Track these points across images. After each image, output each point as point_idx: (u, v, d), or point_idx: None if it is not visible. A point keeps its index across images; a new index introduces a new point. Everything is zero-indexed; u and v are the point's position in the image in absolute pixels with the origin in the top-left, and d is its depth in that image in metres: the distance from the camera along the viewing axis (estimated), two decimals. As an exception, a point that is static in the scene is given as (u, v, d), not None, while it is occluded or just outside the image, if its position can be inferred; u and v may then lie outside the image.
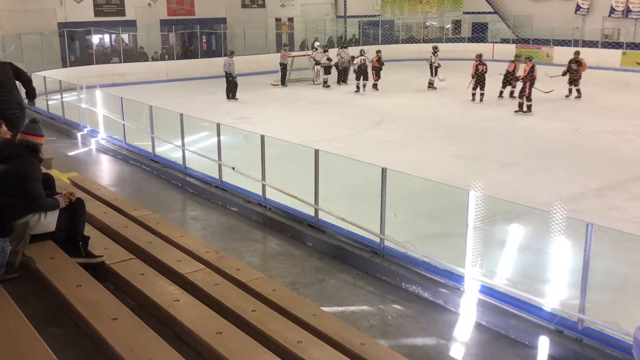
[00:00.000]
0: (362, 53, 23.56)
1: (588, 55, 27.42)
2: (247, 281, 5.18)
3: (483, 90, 20.00)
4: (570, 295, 5.67)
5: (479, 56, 20.43)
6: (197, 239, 6.33)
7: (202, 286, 4.85)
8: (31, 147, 5.06)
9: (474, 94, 20.18)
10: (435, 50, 23.34)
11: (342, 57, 24.80)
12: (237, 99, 21.36)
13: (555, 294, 5.80)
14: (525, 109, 17.65)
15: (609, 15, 29.62)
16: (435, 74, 22.97)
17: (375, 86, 23.11)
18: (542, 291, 5.96)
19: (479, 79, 19.97)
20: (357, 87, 22.94)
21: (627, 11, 28.94)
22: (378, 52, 23.67)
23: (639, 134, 14.62)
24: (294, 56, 25.83)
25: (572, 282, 5.65)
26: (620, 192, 10.32)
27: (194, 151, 10.87)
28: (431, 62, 23.07)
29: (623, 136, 14.46)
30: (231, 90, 21.42)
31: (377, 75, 23.11)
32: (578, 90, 20.14)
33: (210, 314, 4.32)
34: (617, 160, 12.20)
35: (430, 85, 22.99)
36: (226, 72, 21.43)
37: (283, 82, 24.59)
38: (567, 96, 20.22)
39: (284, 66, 24.62)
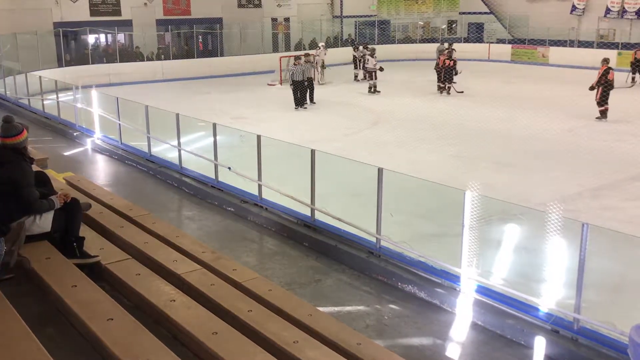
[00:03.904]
0: (450, 46, 23.55)
1: (584, 55, 27.60)
2: (243, 281, 5.18)
3: (450, 84, 20.99)
4: (566, 295, 5.68)
5: (449, 51, 21.37)
6: (193, 239, 6.32)
7: (198, 286, 4.84)
8: (17, 150, 4.97)
9: (441, 87, 21.09)
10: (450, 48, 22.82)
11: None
12: (313, 102, 19.72)
13: (551, 294, 5.81)
14: (599, 114, 16.69)
15: (605, 16, 29.68)
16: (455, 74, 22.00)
17: (449, 89, 21.42)
18: (538, 291, 5.97)
19: (446, 73, 20.86)
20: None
21: (623, 11, 29.00)
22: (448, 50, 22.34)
23: (634, 133, 14.66)
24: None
25: (568, 282, 5.66)
26: (616, 192, 10.35)
27: (190, 151, 10.85)
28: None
29: (618, 136, 14.50)
30: (311, 95, 19.80)
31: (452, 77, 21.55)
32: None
33: (206, 314, 4.31)
34: (613, 160, 12.23)
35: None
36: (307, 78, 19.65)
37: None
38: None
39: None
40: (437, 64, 21.91)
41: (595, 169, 11.51)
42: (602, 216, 8.74)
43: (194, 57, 28.41)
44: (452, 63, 21.14)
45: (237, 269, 5.50)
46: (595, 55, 25.42)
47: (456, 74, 21.66)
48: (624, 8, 28.95)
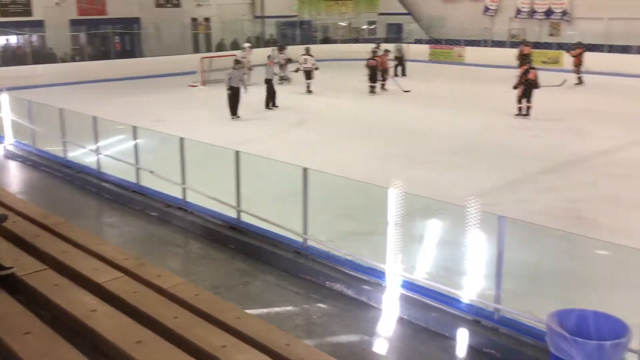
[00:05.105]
0: (377, 47, 23.39)
1: (497, 54, 28.72)
2: (169, 287, 5.06)
3: (374, 83, 21.72)
4: (486, 286, 5.88)
5: (373, 52, 21.91)
6: (115, 246, 6.14)
7: (120, 294, 4.71)
8: None
9: (371, 86, 21.75)
10: (376, 50, 22.69)
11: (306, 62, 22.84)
12: (274, 107, 19.03)
13: (472, 286, 6.00)
14: (517, 111, 16.82)
15: (516, 16, 30.99)
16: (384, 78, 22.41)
17: (372, 89, 21.83)
18: (460, 283, 6.15)
19: (371, 74, 21.58)
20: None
21: (533, 12, 30.37)
22: (387, 50, 23.69)
23: (545, 129, 15.38)
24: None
25: (487, 274, 5.86)
26: (530, 185, 10.81)
27: (109, 155, 10.53)
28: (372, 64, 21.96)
29: (530, 132, 15.18)
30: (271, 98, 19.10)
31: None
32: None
33: (129, 322, 4.20)
34: (527, 154, 12.79)
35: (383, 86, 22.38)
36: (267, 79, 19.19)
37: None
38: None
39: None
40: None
41: (511, 164, 12.00)
42: (518, 208, 9.09)
43: (110, 58, 27.57)
44: (374, 63, 21.61)
45: (161, 274, 5.37)
46: (509, 55, 26.50)
47: (384, 75, 22.28)
48: (533, 9, 30.33)
